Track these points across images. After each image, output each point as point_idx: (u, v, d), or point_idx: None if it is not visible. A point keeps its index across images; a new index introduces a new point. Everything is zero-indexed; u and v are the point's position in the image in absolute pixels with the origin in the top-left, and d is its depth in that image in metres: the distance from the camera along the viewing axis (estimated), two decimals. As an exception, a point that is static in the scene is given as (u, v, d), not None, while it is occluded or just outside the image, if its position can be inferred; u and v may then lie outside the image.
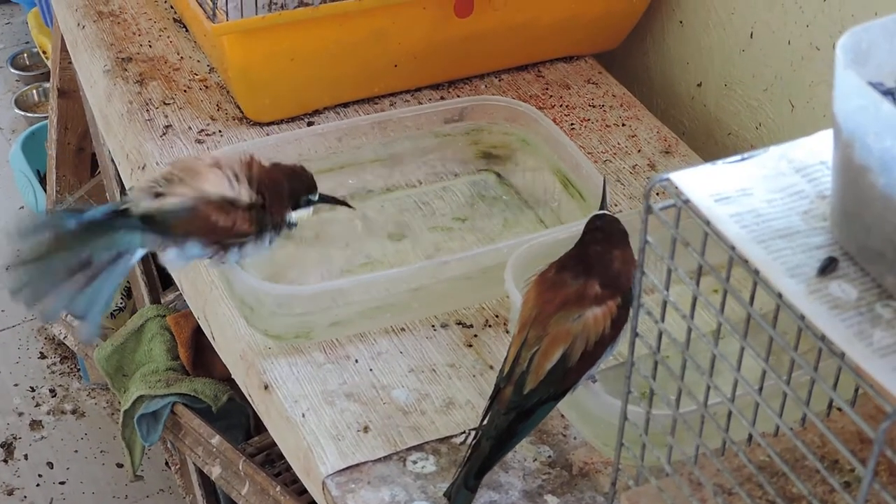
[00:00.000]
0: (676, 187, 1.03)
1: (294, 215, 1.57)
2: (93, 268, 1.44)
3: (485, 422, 1.38)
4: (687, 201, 1.03)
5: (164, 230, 1.48)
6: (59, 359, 3.27)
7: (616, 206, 1.87)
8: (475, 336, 1.66)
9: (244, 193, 1.51)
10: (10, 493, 2.93)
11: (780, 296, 0.98)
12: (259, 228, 1.52)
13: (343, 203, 1.67)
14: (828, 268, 0.97)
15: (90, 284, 1.44)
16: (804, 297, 0.94)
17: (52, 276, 1.43)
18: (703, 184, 1.03)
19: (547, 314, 1.37)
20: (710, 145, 2.16)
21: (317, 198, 1.60)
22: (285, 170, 1.58)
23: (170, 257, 1.51)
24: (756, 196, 1.03)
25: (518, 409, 1.36)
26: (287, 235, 1.60)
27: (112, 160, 2.41)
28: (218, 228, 1.50)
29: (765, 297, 1.04)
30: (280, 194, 1.55)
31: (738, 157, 1.06)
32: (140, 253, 1.49)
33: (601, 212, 1.47)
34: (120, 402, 2.48)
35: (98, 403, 3.15)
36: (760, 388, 1.11)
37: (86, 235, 1.44)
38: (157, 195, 1.48)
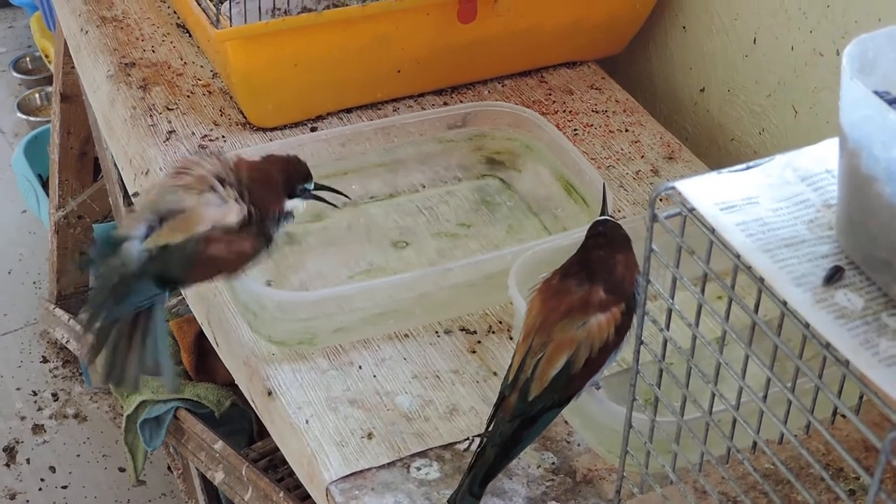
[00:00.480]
0: (682, 196, 1.02)
1: (290, 205, 1.55)
2: (139, 324, 1.47)
3: (489, 429, 1.38)
4: (692, 210, 1.03)
5: (178, 284, 1.52)
6: (61, 363, 3.27)
7: (619, 212, 1.87)
8: (479, 342, 1.66)
9: (238, 213, 1.47)
10: (13, 497, 2.93)
11: (785, 304, 0.98)
12: (265, 239, 1.52)
13: (340, 193, 1.66)
14: (834, 277, 0.97)
15: (148, 339, 1.48)
16: (810, 307, 0.94)
17: (118, 348, 1.47)
18: (709, 192, 1.03)
19: (551, 322, 1.37)
20: (713, 151, 2.16)
21: (312, 186, 1.59)
22: (277, 161, 1.57)
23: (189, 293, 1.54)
24: (762, 205, 1.02)
25: (523, 416, 1.36)
26: (287, 231, 1.60)
27: (115, 165, 2.41)
28: (230, 264, 1.50)
29: (769, 303, 1.04)
30: (273, 188, 1.54)
31: (743, 166, 1.05)
32: (160, 303, 1.50)
33: (603, 217, 1.47)
34: (122, 407, 2.48)
35: (100, 408, 3.15)
36: (765, 396, 1.11)
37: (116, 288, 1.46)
38: (151, 250, 1.46)
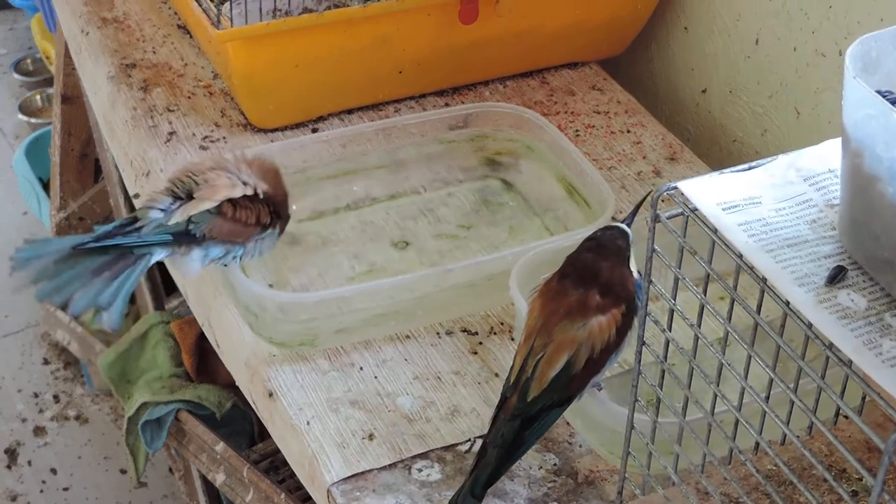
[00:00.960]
0: (684, 196, 1.02)
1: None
2: (117, 267, 1.50)
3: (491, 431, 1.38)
4: (695, 210, 1.02)
5: (192, 238, 1.53)
6: (62, 365, 3.27)
7: (621, 213, 1.87)
8: (480, 343, 1.66)
9: (260, 188, 1.57)
10: (14, 499, 2.93)
11: (787, 304, 0.97)
12: (277, 218, 1.59)
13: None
14: (837, 277, 0.97)
15: (115, 280, 1.50)
16: (813, 307, 0.93)
17: (79, 278, 1.49)
18: (711, 192, 1.03)
19: (552, 323, 1.37)
20: (715, 152, 2.15)
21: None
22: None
23: (193, 259, 1.56)
24: (764, 205, 1.02)
25: (522, 416, 1.36)
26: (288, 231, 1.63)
27: (116, 166, 2.41)
28: (246, 226, 1.56)
29: (772, 304, 1.04)
30: (280, 184, 1.60)
31: (745, 166, 1.05)
32: (162, 254, 1.54)
33: (616, 224, 1.45)
34: (124, 409, 2.48)
35: (101, 409, 3.15)
36: (767, 397, 1.11)
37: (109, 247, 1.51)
38: (176, 200, 1.54)
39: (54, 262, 1.49)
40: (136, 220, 1.53)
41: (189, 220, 1.52)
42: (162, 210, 1.53)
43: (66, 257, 1.49)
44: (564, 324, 1.35)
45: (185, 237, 1.53)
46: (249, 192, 1.56)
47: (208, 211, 1.53)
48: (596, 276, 1.38)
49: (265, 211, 1.57)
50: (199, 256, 1.55)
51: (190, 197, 1.54)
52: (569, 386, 1.35)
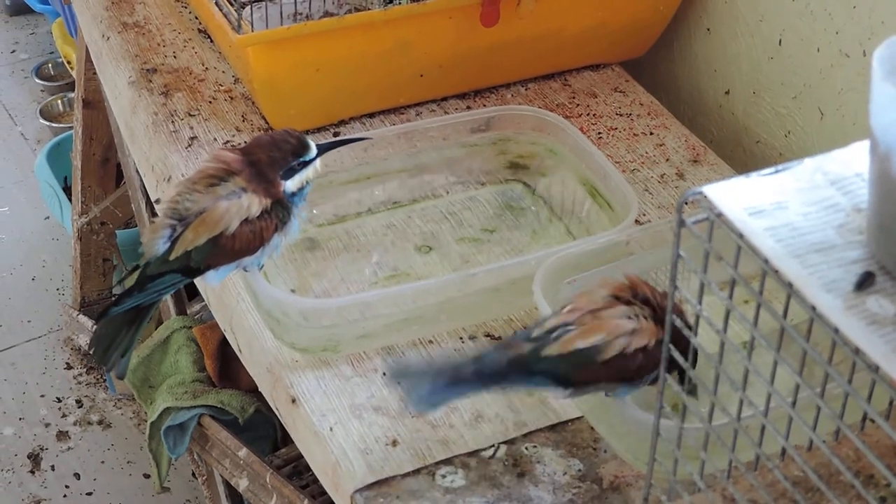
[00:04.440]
0: (709, 200, 1.01)
1: (290, 185, 1.57)
2: (138, 317, 1.60)
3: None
4: (720, 214, 1.02)
5: (199, 270, 1.55)
6: (85, 369, 3.28)
7: (644, 216, 1.86)
8: (503, 348, 1.65)
9: (255, 203, 1.53)
10: (38, 503, 2.93)
11: (814, 310, 0.97)
12: (280, 220, 1.56)
13: (354, 140, 1.70)
14: (865, 283, 0.96)
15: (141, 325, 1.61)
16: (841, 313, 0.93)
17: (121, 339, 1.60)
18: (737, 197, 1.02)
19: (603, 306, 1.36)
20: (739, 154, 2.14)
21: (312, 155, 1.58)
22: (263, 143, 1.58)
23: (208, 279, 1.58)
24: (791, 209, 1.01)
25: (522, 362, 1.34)
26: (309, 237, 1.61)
27: (137, 171, 2.41)
28: (251, 248, 1.54)
29: (799, 308, 1.03)
30: (262, 174, 1.55)
31: (772, 170, 1.04)
32: (174, 289, 1.60)
33: None
34: (146, 414, 2.48)
35: (124, 414, 3.15)
36: (794, 402, 1.10)
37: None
38: (177, 225, 1.53)
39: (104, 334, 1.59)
40: (143, 268, 1.55)
41: (188, 254, 1.52)
42: (166, 241, 1.53)
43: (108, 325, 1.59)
44: (616, 309, 1.34)
45: (190, 271, 1.54)
46: (245, 213, 1.53)
47: (208, 241, 1.52)
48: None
49: (269, 224, 1.55)
50: (213, 276, 1.57)
51: (187, 224, 1.53)
52: (582, 369, 1.33)
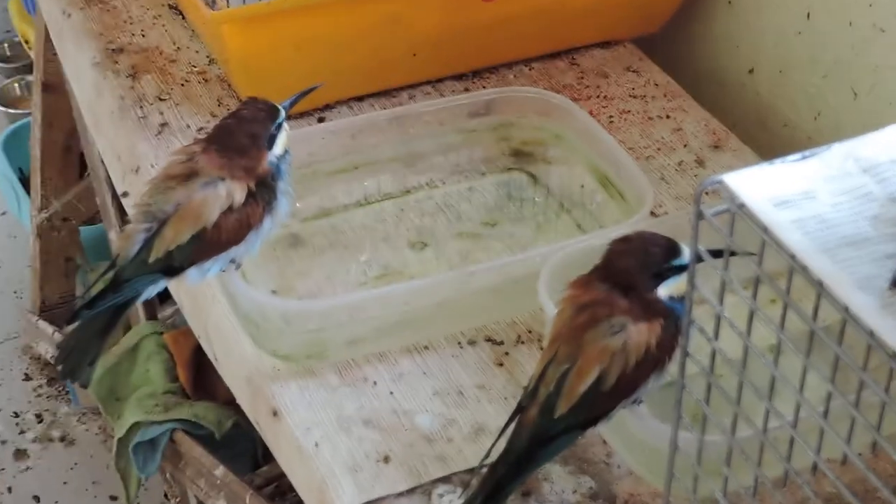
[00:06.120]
0: (730, 190, 1.02)
1: (277, 150, 1.59)
2: (111, 322, 1.59)
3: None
4: (742, 206, 1.02)
5: (182, 267, 1.55)
6: (45, 380, 3.28)
7: (660, 207, 1.87)
8: (506, 354, 1.66)
9: (237, 190, 1.54)
10: (-6, 529, 2.94)
11: (846, 310, 0.97)
12: (266, 202, 1.57)
13: (311, 90, 1.71)
14: (901, 279, 0.96)
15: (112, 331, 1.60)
16: (876, 312, 0.93)
17: (93, 347, 1.59)
18: (760, 186, 1.02)
19: (581, 327, 1.36)
20: (764, 138, 2.15)
21: (283, 116, 1.61)
22: (233, 126, 1.60)
23: (189, 278, 1.58)
24: (819, 199, 1.02)
25: (542, 434, 1.35)
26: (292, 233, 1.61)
27: (102, 161, 2.41)
28: (239, 236, 1.55)
29: (830, 308, 1.03)
30: (239, 157, 1.56)
31: (798, 156, 1.05)
32: (154, 291, 1.59)
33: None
34: (113, 429, 2.48)
35: (89, 430, 3.16)
36: (825, 411, 1.10)
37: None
38: (152, 224, 1.54)
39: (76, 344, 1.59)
40: (118, 269, 1.55)
41: (170, 254, 1.53)
42: (140, 244, 1.54)
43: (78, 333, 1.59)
44: (596, 329, 1.35)
45: (172, 270, 1.55)
46: (227, 202, 1.54)
47: (190, 238, 1.53)
48: (632, 275, 1.38)
49: (255, 208, 1.56)
50: (195, 275, 1.57)
51: (164, 222, 1.53)
52: (594, 404, 1.35)
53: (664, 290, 1.36)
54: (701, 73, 2.28)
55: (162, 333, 2.52)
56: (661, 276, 1.37)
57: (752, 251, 1.04)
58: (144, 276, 1.54)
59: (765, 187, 1.02)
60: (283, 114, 1.61)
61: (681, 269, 1.36)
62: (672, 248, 1.38)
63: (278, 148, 1.58)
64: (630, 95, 2.10)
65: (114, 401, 2.52)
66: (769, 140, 2.14)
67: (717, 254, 1.08)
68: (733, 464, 1.19)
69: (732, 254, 1.06)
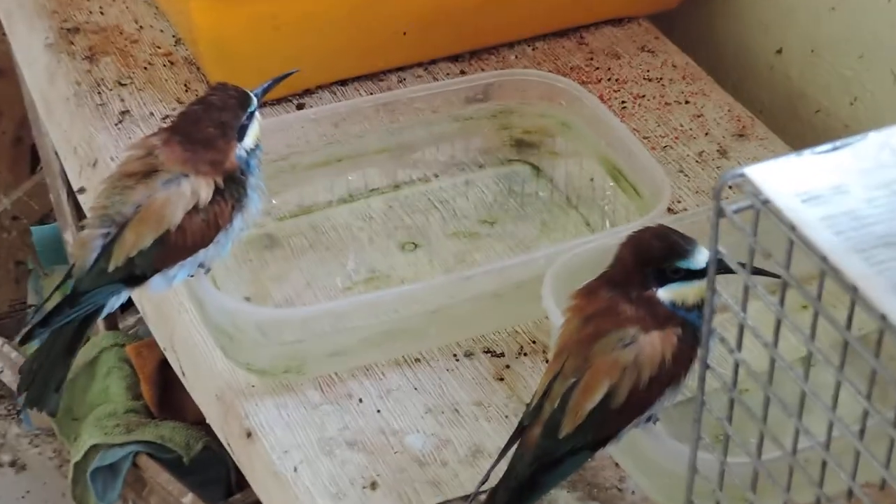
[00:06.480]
0: (753, 184, 1.02)
1: (247, 142, 1.59)
2: (74, 339, 1.59)
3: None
4: (767, 202, 1.02)
5: (145, 275, 1.55)
6: (-7, 398, 3.28)
7: (679, 202, 1.87)
8: (507, 367, 1.66)
9: (203, 187, 1.54)
10: (-63, 565, 2.94)
11: (883, 318, 0.97)
12: (236, 200, 1.57)
13: (285, 76, 1.70)
14: (945, 283, 0.97)
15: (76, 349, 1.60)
16: (916, 321, 0.93)
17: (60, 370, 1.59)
18: (787, 179, 1.02)
19: (589, 338, 1.37)
20: (795, 126, 2.15)
21: (255, 104, 1.61)
22: (200, 113, 1.60)
23: (154, 287, 1.58)
24: (852, 194, 1.02)
25: (546, 457, 1.36)
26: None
27: (56, 154, 2.41)
28: (206, 238, 1.55)
29: (865, 315, 1.03)
30: (205, 150, 1.56)
31: (829, 146, 1.05)
32: (118, 302, 1.60)
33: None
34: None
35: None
36: (862, 431, 1.10)
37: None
38: (111, 229, 1.54)
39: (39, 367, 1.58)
40: (75, 280, 1.55)
41: (131, 261, 1.53)
42: (98, 251, 1.54)
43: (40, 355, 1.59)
44: (606, 340, 1.35)
45: (135, 279, 1.55)
46: (192, 201, 1.54)
47: (153, 242, 1.53)
48: (628, 272, 1.38)
49: (224, 206, 1.56)
50: (160, 282, 1.57)
51: (123, 225, 1.53)
52: (603, 424, 1.35)
53: (665, 294, 1.37)
54: (724, 53, 2.29)
55: (123, 345, 2.53)
56: (662, 277, 1.37)
57: (776, 268, 1.05)
58: (104, 287, 1.54)
59: (792, 181, 1.03)
60: (255, 102, 1.61)
61: (690, 273, 1.36)
62: (676, 247, 1.38)
63: (249, 139, 1.59)
64: (645, 78, 2.11)
65: (70, 421, 2.52)
66: (800, 128, 2.15)
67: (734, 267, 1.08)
68: (759, 489, 1.20)
69: (757, 271, 1.06)
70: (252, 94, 1.61)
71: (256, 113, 1.61)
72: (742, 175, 1.03)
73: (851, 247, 0.98)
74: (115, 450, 2.38)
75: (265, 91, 1.65)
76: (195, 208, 1.53)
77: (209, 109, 1.58)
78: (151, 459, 2.38)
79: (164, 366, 2.38)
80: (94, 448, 2.40)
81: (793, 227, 1.01)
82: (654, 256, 1.38)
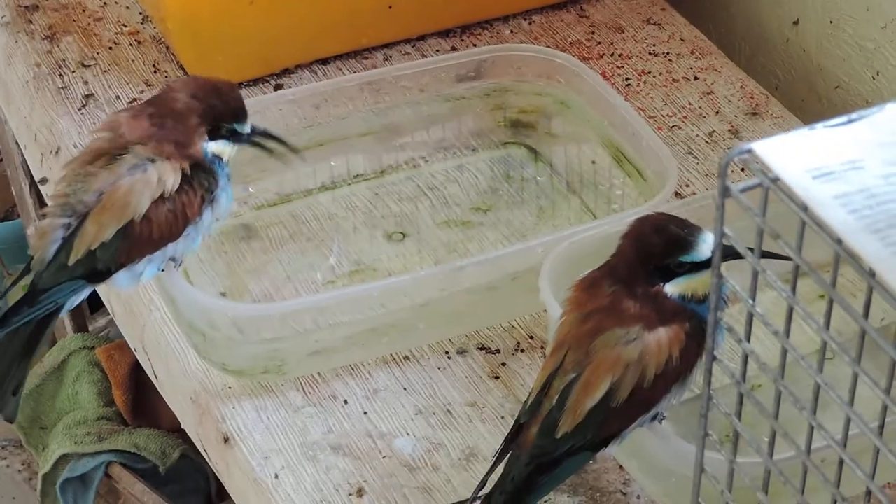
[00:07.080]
0: (762, 161, 1.02)
1: (212, 147, 1.56)
2: (34, 339, 1.58)
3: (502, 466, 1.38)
4: (776, 179, 1.02)
5: (107, 272, 1.54)
6: (-44, 407, 3.28)
7: (687, 186, 1.87)
8: (503, 365, 1.66)
9: (169, 173, 1.52)
10: None
11: (903, 303, 0.97)
12: (206, 189, 1.55)
13: (285, 143, 1.64)
14: (968, 265, 0.96)
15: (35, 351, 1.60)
16: (936, 307, 0.93)
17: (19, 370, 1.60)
18: (798, 155, 1.02)
19: (591, 332, 1.37)
20: (812, 102, 2.15)
21: (247, 129, 1.58)
22: (200, 87, 1.57)
23: (119, 282, 1.57)
24: (868, 170, 1.02)
25: (544, 457, 1.36)
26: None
27: (17, 142, 2.41)
28: (174, 231, 1.54)
29: (884, 304, 1.03)
30: (183, 123, 1.54)
31: (843, 119, 1.05)
32: (79, 298, 1.58)
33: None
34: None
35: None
36: (881, 427, 1.10)
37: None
38: (73, 220, 1.53)
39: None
40: (34, 276, 1.55)
41: (93, 255, 1.52)
42: (58, 243, 1.53)
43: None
44: (609, 334, 1.35)
45: (97, 275, 1.54)
46: (159, 189, 1.52)
47: (115, 233, 1.51)
48: (631, 268, 1.38)
49: (193, 196, 1.54)
50: (126, 279, 1.56)
51: (85, 215, 1.52)
52: (604, 424, 1.35)
53: (672, 288, 1.37)
54: (736, 25, 2.29)
55: (93, 348, 2.53)
56: (666, 271, 1.37)
57: (787, 251, 1.05)
58: (65, 285, 1.53)
59: (803, 156, 1.02)
60: (248, 126, 1.57)
61: (696, 265, 1.36)
62: (678, 240, 1.38)
63: (217, 147, 1.55)
64: (650, 53, 2.11)
65: (37, 430, 2.53)
66: (818, 105, 2.15)
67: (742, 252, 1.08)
68: (771, 490, 1.20)
69: (766, 255, 1.06)
70: (249, 122, 1.58)
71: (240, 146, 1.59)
72: (750, 151, 1.02)
73: (867, 227, 0.98)
74: (87, 459, 2.38)
75: (259, 132, 1.60)
76: (161, 197, 1.51)
77: (206, 89, 1.55)
78: (125, 469, 2.38)
79: (137, 369, 2.39)
80: (64, 458, 2.40)
81: (804, 207, 1.00)
82: (654, 253, 1.38)
